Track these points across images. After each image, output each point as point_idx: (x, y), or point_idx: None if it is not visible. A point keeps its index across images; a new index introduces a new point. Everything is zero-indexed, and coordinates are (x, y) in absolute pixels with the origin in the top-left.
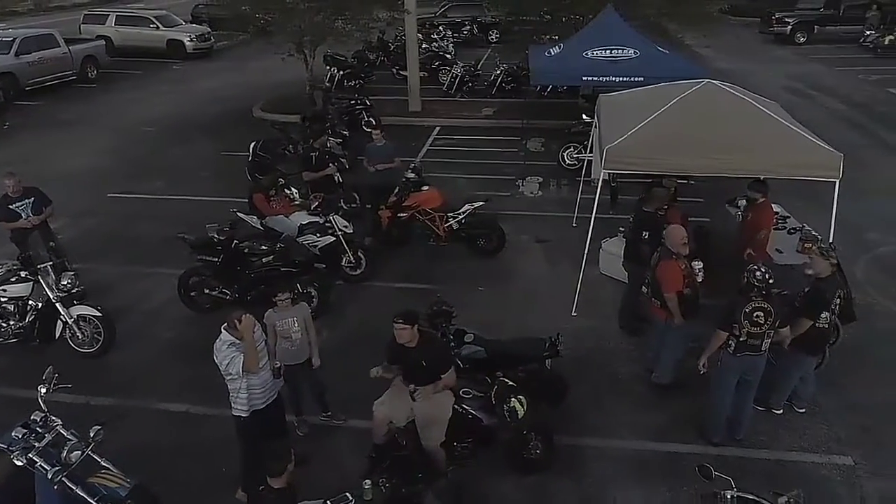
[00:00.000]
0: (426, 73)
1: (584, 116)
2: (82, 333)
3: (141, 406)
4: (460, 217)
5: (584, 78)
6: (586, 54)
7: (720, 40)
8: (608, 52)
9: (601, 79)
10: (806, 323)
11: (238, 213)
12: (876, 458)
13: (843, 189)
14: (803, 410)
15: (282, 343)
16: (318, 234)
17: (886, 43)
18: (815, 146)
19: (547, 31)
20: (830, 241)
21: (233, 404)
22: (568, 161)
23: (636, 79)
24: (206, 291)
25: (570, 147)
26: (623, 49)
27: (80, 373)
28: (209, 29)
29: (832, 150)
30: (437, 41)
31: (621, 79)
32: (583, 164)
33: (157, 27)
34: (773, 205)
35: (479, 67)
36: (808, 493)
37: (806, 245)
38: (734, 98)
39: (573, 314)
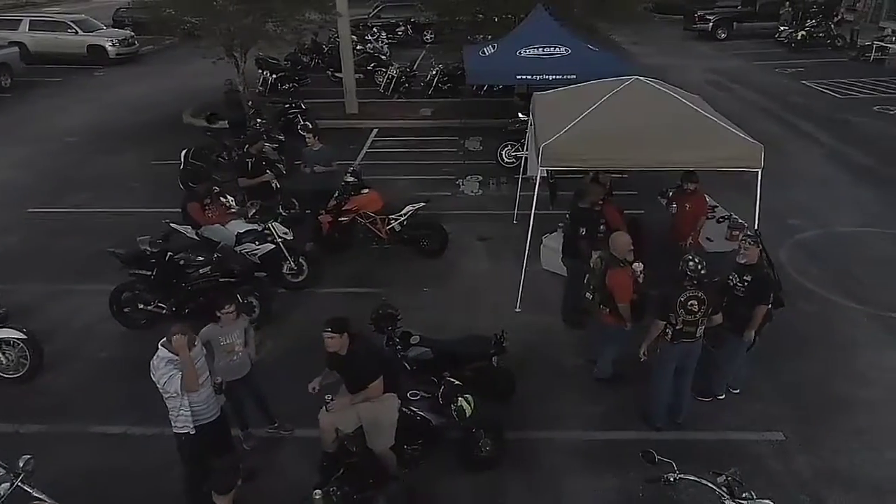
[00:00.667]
0: (362, 75)
1: (520, 114)
2: (6, 358)
3: (75, 430)
4: (402, 219)
5: (519, 77)
6: (520, 53)
7: (646, 37)
8: (541, 50)
9: (535, 77)
10: (763, 309)
11: (171, 224)
12: (805, 432)
13: (765, 177)
14: (738, 392)
15: (223, 358)
16: (258, 242)
17: (799, 38)
18: (738, 138)
19: (480, 31)
20: (756, 228)
21: (174, 422)
22: (506, 159)
23: (569, 76)
24: (141, 307)
25: (507, 145)
26: (555, 48)
27: (7, 399)
28: (132, 33)
29: (754, 142)
30: (371, 42)
31: (554, 77)
32: (521, 162)
33: (76, 32)
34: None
35: (415, 68)
36: (744, 471)
37: (734, 233)
38: (661, 93)
39: (517, 310)
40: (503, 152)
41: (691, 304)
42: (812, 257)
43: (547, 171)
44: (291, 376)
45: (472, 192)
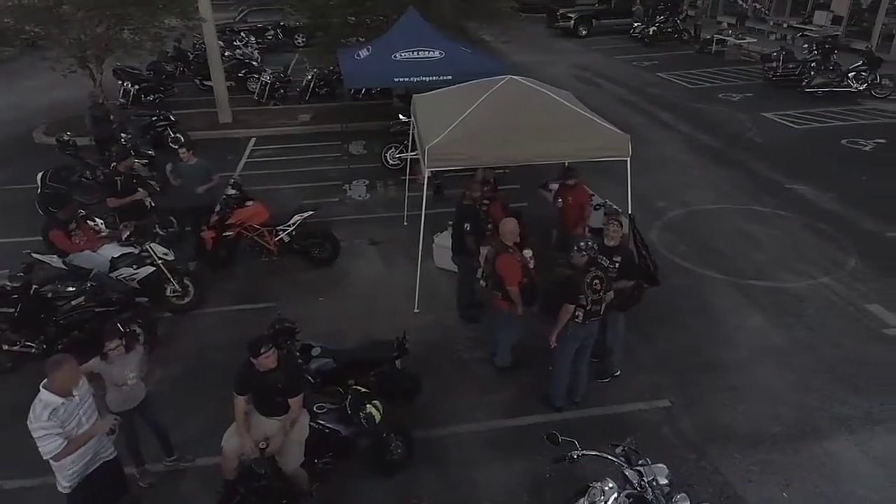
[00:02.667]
0: (233, 83)
1: (401, 116)
2: None
3: None
4: (290, 229)
5: (397, 79)
6: (396, 56)
7: (514, 36)
8: (416, 53)
9: (412, 79)
10: (634, 284)
11: (33, 255)
12: (687, 396)
13: (634, 165)
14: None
15: (112, 392)
16: (135, 266)
17: (651, 33)
18: (607, 130)
19: (352, 34)
20: (630, 212)
21: (57, 478)
22: (391, 161)
23: (445, 77)
24: (5, 348)
25: (391, 147)
26: (429, 51)
27: None
28: None
29: (620, 132)
30: (240, 48)
31: (431, 78)
32: (406, 163)
33: None
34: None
35: (289, 73)
36: (639, 439)
37: (611, 219)
38: (534, 91)
39: (416, 310)
40: (387, 155)
41: (595, 283)
42: (679, 235)
43: (432, 171)
44: (186, 403)
45: (359, 196)
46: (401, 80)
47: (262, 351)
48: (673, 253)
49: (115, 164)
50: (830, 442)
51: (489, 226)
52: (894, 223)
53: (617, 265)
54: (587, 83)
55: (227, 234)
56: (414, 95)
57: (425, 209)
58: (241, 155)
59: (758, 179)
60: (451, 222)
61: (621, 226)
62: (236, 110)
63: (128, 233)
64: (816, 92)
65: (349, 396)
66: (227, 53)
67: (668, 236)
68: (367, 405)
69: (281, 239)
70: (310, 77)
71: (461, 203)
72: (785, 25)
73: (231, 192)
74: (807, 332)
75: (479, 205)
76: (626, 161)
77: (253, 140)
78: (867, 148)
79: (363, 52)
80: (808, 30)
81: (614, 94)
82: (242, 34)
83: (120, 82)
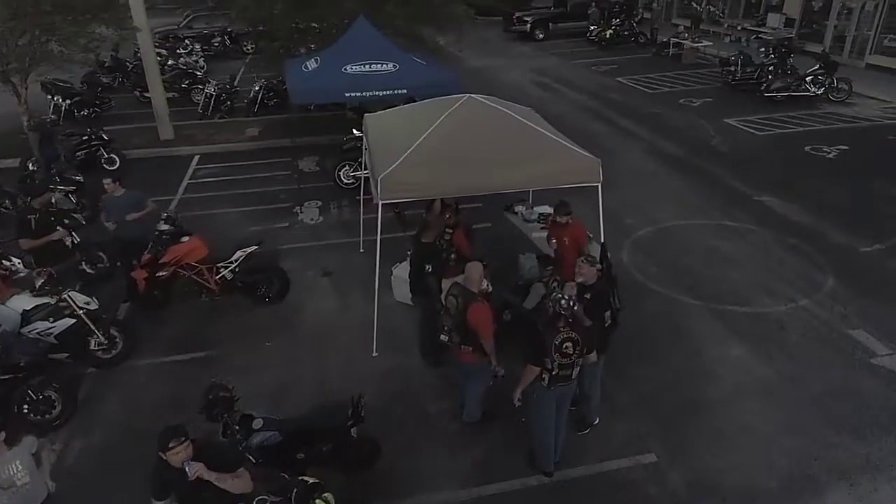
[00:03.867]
0: (176, 94)
1: (355, 131)
2: None
3: None
4: (233, 265)
5: (348, 94)
6: (346, 69)
7: (470, 40)
8: (368, 66)
9: (365, 94)
10: (597, 325)
11: None
12: (672, 446)
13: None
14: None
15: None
16: (52, 319)
17: (608, 37)
18: (575, 153)
19: (301, 43)
20: (602, 240)
21: None
22: (345, 180)
23: (399, 91)
24: None
25: (345, 165)
26: (382, 63)
27: None
28: None
29: (590, 156)
30: (184, 56)
31: (384, 93)
32: (360, 182)
33: None
34: (543, 207)
35: (235, 84)
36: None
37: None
38: (495, 111)
39: (374, 354)
40: (341, 173)
41: (566, 347)
42: (650, 255)
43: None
44: (109, 483)
45: (311, 220)
46: (352, 95)
47: (170, 445)
48: (645, 275)
49: (29, 199)
50: (831, 496)
51: (452, 256)
52: (867, 237)
53: (586, 302)
54: (546, 89)
55: (161, 273)
56: (366, 115)
57: (381, 235)
58: (183, 175)
59: (725, 191)
60: (409, 252)
61: (594, 263)
62: (179, 125)
63: (42, 280)
64: (776, 97)
65: (295, 490)
66: (169, 63)
67: (638, 257)
68: (318, 500)
69: (223, 276)
70: (258, 88)
71: (419, 241)
72: (739, 28)
73: (164, 227)
74: (792, 363)
75: (440, 241)
76: (597, 187)
77: (196, 158)
78: (830, 155)
79: (311, 64)
80: (762, 32)
81: (573, 101)
82: (187, 41)
83: (49, 97)
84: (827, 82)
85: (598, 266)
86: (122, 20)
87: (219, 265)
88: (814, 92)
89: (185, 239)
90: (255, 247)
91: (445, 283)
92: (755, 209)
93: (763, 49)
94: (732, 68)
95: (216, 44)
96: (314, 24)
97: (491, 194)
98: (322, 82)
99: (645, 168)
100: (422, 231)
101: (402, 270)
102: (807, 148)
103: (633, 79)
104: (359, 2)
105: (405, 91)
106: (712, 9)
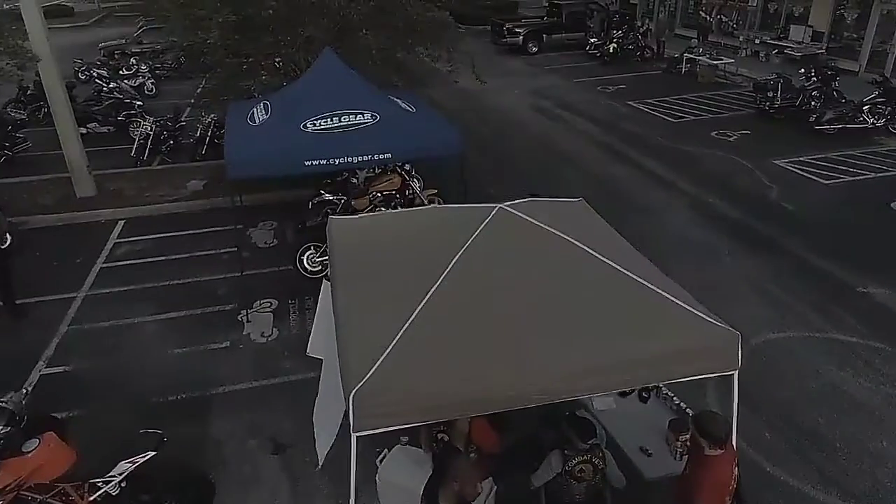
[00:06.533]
0: (111, 128)
1: (325, 193)
2: None
3: None
4: (118, 479)
5: (308, 163)
6: (306, 126)
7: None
8: (337, 119)
9: (333, 161)
10: None
11: None
12: None
13: (647, 251)
14: None
15: None
16: None
17: (611, 51)
18: (698, 321)
19: (250, 77)
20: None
21: None
22: (310, 267)
23: (380, 156)
24: None
25: (310, 248)
26: (356, 114)
27: None
28: None
29: (723, 327)
30: (127, 79)
31: (361, 158)
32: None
33: None
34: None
35: (182, 118)
36: None
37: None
38: (540, 235)
39: None
40: (304, 257)
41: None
42: (753, 405)
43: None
44: None
45: (262, 334)
46: (314, 163)
47: None
48: (755, 447)
49: None
50: None
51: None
52: None
53: None
54: (548, 116)
55: None
56: (331, 219)
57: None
58: (97, 255)
59: (815, 276)
60: (405, 439)
61: None
62: (106, 175)
63: None
64: (827, 129)
65: None
66: (110, 86)
67: (741, 409)
68: None
69: (105, 493)
70: (208, 121)
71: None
72: (758, 41)
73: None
74: None
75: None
76: (733, 375)
77: (120, 225)
78: None
79: (259, 114)
80: (786, 47)
81: (583, 133)
82: (133, 60)
83: None
84: (888, 112)
85: None
86: (19, 51)
87: (92, 482)
88: (871, 123)
89: (33, 445)
90: (150, 454)
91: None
92: (864, 308)
93: (803, 70)
94: (770, 94)
95: (169, 62)
96: (276, 59)
97: None
98: (272, 143)
99: (695, 237)
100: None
101: (389, 470)
102: (893, 205)
103: (647, 103)
104: (322, 29)
105: (389, 155)
106: (724, 19)
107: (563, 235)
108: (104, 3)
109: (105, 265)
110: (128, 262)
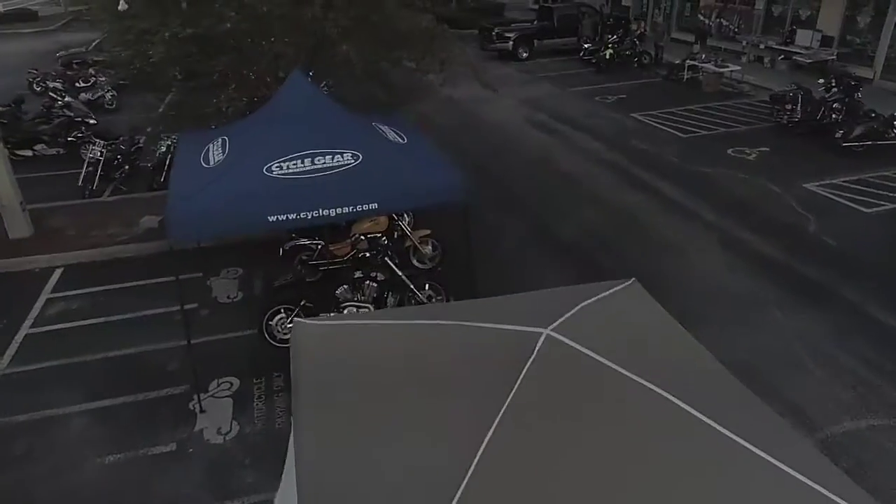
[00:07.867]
0: (61, 150)
1: (298, 237)
2: None
3: None
4: None
5: (273, 218)
6: (270, 171)
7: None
8: (310, 161)
9: (304, 216)
10: None
11: None
12: None
13: (674, 309)
14: None
15: None
16: None
17: (608, 57)
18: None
19: (210, 99)
20: None
21: None
22: (279, 335)
23: (364, 206)
24: None
25: (279, 311)
26: (335, 154)
27: None
28: None
29: None
30: (83, 93)
31: (340, 210)
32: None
33: None
34: None
35: (139, 140)
36: None
37: None
38: (612, 378)
39: None
40: (273, 322)
41: None
42: None
43: None
44: None
45: (219, 431)
46: (280, 218)
47: None
48: None
49: None
50: None
51: None
52: None
53: None
54: (546, 131)
55: None
56: (295, 328)
57: None
58: (24, 317)
59: (880, 335)
60: None
61: None
62: (48, 208)
63: None
64: (855, 146)
65: None
66: (64, 100)
67: None
68: None
69: None
70: (164, 148)
71: None
72: (762, 46)
73: None
74: None
75: None
76: None
77: (57, 275)
78: None
79: (214, 153)
80: (794, 53)
81: (587, 151)
82: (92, 71)
83: None
84: None
85: None
86: None
87: None
88: None
89: None
90: None
91: None
92: None
93: (822, 80)
94: (789, 106)
95: (133, 70)
96: (227, 84)
97: None
98: (227, 194)
99: (732, 285)
100: None
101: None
102: None
103: (651, 115)
104: (292, 45)
105: (375, 206)
106: (724, 22)
107: (634, 378)
108: (71, 6)
109: (31, 330)
110: (60, 325)
